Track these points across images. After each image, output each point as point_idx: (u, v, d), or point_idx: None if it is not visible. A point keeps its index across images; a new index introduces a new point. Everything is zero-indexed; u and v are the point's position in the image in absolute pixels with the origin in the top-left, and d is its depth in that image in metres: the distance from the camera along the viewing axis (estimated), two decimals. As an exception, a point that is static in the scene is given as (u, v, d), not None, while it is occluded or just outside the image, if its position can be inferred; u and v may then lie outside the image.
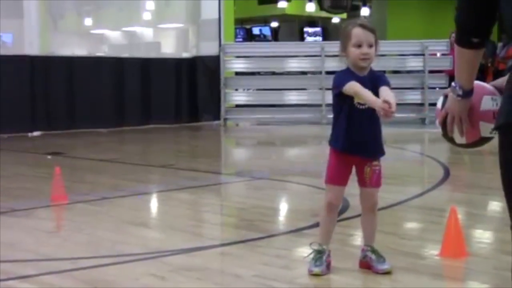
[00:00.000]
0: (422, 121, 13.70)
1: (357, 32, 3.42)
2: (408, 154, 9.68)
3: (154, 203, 6.21)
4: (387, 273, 3.51)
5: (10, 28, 12.62)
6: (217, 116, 13.89)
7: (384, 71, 15.57)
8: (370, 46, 3.44)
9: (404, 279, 3.48)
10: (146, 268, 3.73)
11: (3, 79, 11.47)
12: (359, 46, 3.42)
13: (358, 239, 4.54)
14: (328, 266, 3.57)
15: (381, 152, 3.62)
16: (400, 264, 3.69)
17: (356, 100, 3.47)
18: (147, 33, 17.94)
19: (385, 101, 3.28)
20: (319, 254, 3.58)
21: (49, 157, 8.95)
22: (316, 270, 3.52)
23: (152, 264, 3.83)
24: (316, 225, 4.51)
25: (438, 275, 3.63)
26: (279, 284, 3.44)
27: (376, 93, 3.42)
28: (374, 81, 3.49)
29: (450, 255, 3.79)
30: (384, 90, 3.44)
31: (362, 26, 3.47)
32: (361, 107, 3.48)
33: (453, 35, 14.88)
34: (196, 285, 3.44)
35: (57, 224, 5.31)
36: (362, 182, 3.60)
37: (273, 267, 3.70)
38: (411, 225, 5.11)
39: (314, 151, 10.73)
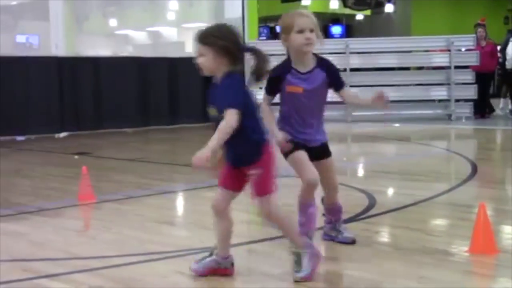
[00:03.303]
0: (449, 117, 13.60)
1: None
2: (435, 151, 9.59)
3: (180, 202, 6.23)
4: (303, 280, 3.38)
5: (37, 30, 12.78)
6: (241, 115, 13.88)
7: (409, 68, 15.58)
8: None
9: (433, 276, 3.45)
10: (174, 266, 3.74)
11: (32, 80, 11.60)
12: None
13: (385, 236, 4.52)
14: (215, 272, 3.48)
15: (248, 162, 3.36)
16: (429, 261, 3.66)
17: (211, 113, 3.39)
18: (171, 32, 18.02)
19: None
20: (206, 256, 3.53)
21: (76, 157, 9.03)
22: (193, 267, 3.52)
23: (180, 262, 3.84)
24: (344, 222, 4.50)
25: (468, 272, 3.59)
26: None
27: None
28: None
29: (479, 251, 3.76)
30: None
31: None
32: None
33: (480, 29, 14.71)
34: (224, 283, 3.45)
35: (85, 223, 5.36)
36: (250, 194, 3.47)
37: (301, 264, 3.68)
38: (439, 221, 5.06)
39: (339, 148, 10.69)
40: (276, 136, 3.61)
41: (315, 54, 3.75)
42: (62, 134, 11.94)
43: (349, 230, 4.17)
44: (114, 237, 4.51)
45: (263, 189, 3.39)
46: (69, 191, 6.17)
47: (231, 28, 3.45)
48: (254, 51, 3.40)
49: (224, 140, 3.23)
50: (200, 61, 3.39)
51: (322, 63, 3.76)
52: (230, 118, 3.21)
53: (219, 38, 3.35)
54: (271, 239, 4.28)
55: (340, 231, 4.13)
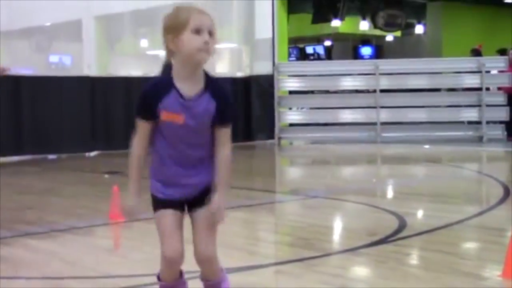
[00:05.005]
0: (480, 139, 13.46)
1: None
2: (466, 173, 9.50)
3: (209, 222, 6.23)
4: None
5: (70, 50, 12.98)
6: (271, 135, 13.93)
7: (440, 89, 15.49)
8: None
9: (464, 300, 3.40)
10: (202, 286, 3.74)
11: (64, 100, 11.75)
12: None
13: (416, 259, 4.48)
14: None
15: None
16: (461, 285, 3.62)
17: None
18: (201, 53, 18.15)
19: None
20: None
21: (107, 176, 9.10)
22: None
23: (209, 282, 3.84)
24: (372, 244, 4.47)
25: (500, 296, 3.54)
26: (337, 304, 3.41)
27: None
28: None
29: (512, 276, 3.70)
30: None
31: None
32: None
33: (511, 51, 14.52)
34: (253, 304, 3.44)
35: (115, 242, 5.40)
36: None
37: (330, 286, 3.67)
38: (471, 245, 5.00)
39: (369, 169, 10.63)
40: (126, 202, 2.84)
41: (203, 70, 2.71)
42: (93, 153, 12.06)
43: None
44: (145, 256, 4.53)
45: None
46: (100, 210, 6.22)
47: None
48: None
49: None
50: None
51: (214, 87, 2.70)
52: None
53: None
54: (299, 260, 4.27)
55: None
